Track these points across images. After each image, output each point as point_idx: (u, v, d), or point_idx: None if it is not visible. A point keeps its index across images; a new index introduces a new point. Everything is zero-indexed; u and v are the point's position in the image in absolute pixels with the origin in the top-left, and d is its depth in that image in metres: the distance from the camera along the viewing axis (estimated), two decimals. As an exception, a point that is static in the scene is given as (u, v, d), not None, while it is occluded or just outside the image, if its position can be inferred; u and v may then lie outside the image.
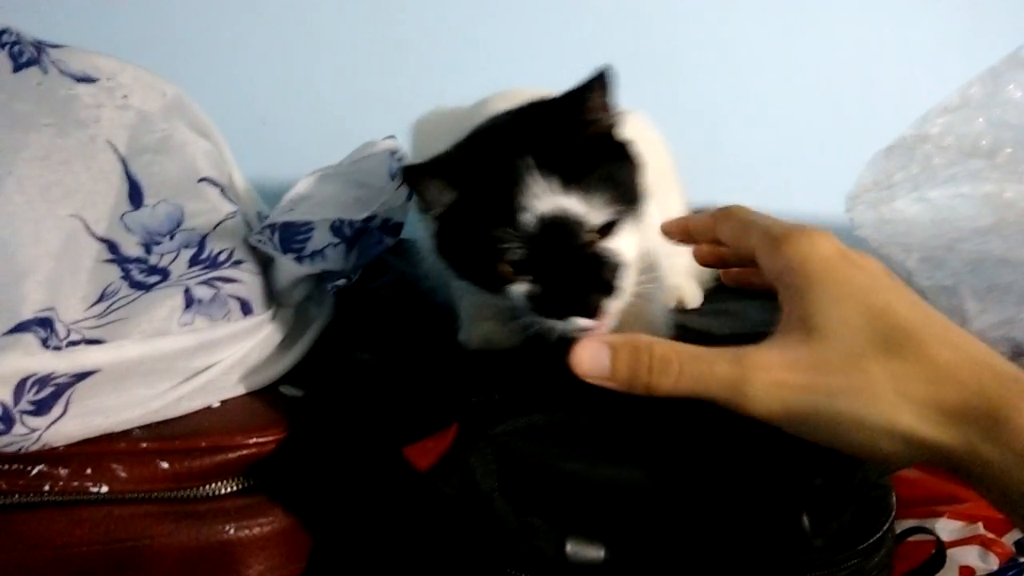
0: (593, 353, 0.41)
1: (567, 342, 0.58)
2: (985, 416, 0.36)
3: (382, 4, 1.04)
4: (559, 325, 0.51)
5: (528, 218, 0.49)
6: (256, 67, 1.05)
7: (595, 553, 0.45)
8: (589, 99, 0.51)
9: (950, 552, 0.57)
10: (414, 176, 0.52)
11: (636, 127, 0.68)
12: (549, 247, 0.50)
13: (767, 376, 0.39)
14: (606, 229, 0.51)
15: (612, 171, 0.52)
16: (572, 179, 0.50)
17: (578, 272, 0.50)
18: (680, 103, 1.02)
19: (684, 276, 0.68)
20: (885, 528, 0.50)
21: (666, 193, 0.71)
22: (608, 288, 0.51)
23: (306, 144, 0.94)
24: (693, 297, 0.68)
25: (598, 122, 0.53)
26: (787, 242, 0.42)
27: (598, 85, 0.51)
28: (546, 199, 0.49)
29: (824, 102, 1.06)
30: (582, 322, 0.50)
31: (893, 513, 0.51)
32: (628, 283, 0.52)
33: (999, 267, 0.71)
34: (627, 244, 0.52)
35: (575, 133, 0.52)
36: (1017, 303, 0.69)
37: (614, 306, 0.51)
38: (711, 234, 0.50)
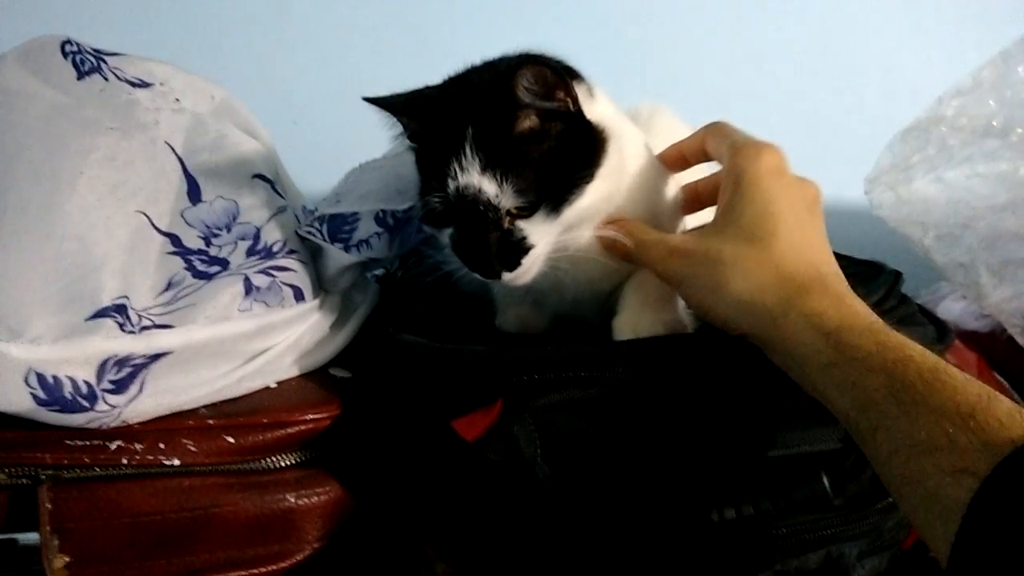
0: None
1: (594, 328, 0.62)
2: (794, 289, 0.47)
3: (413, 3, 1.07)
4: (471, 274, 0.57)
5: (449, 185, 0.54)
6: (286, 70, 1.09)
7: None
8: (515, 82, 0.53)
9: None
10: (376, 105, 0.58)
11: (659, 121, 0.70)
12: (462, 215, 0.55)
13: (671, 243, 0.53)
14: (523, 210, 0.54)
15: (549, 156, 0.55)
16: (493, 160, 0.53)
17: (484, 243, 0.55)
18: (698, 90, 1.04)
19: None
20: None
21: None
22: (510, 265, 0.55)
23: (337, 145, 0.98)
24: None
25: (532, 107, 0.54)
26: (741, 151, 0.53)
27: (527, 69, 0.53)
28: (465, 175, 0.53)
29: (842, 86, 1.08)
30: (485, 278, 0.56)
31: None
32: (531, 263, 0.56)
33: (1013, 243, 0.74)
34: (542, 228, 0.55)
35: (506, 115, 0.54)
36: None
37: (513, 275, 0.56)
38: (702, 153, 0.58)
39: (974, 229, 0.75)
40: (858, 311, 0.45)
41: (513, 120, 0.54)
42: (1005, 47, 0.74)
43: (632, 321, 0.58)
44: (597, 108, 0.59)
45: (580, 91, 0.57)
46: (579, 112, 0.56)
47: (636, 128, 0.63)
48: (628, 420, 0.51)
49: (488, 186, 0.53)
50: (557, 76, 0.54)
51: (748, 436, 0.50)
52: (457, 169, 0.54)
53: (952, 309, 0.84)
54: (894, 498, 0.42)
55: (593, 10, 1.09)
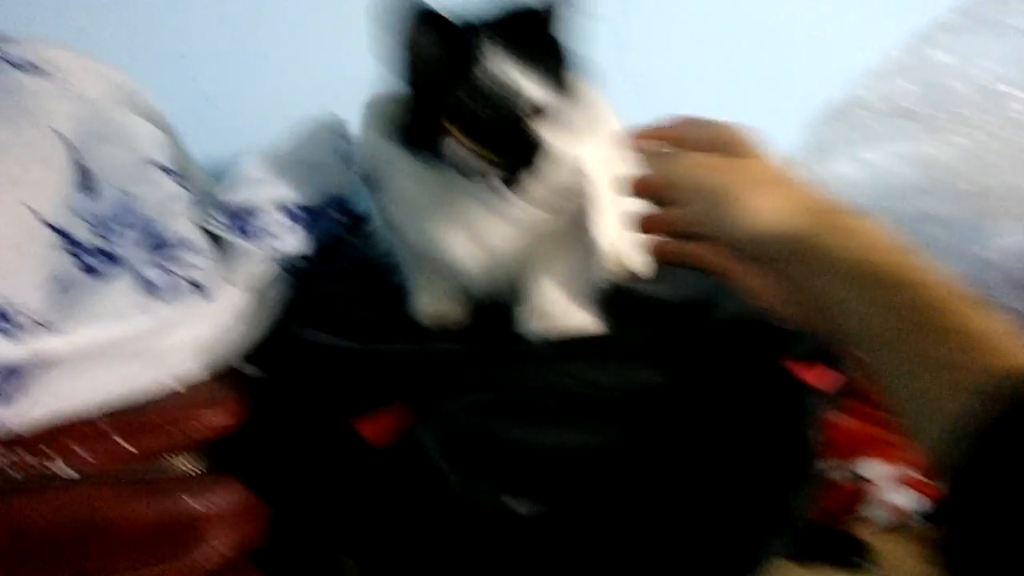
0: None
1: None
2: (824, 212, 0.46)
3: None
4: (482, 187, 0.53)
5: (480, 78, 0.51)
6: (200, 45, 1.04)
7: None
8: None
9: (878, 492, 0.60)
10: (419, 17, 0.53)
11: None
12: (492, 107, 0.51)
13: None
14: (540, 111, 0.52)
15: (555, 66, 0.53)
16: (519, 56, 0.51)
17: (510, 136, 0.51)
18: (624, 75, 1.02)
19: (630, 245, 0.70)
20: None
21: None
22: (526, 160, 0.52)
23: (252, 122, 0.94)
24: (637, 264, 0.69)
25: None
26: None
27: None
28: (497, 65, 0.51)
29: (757, 65, 1.08)
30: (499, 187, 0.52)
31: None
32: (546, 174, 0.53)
33: (933, 226, 0.74)
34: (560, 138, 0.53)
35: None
36: (948, 259, 0.72)
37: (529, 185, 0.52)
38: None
39: (892, 211, 0.75)
40: (882, 233, 0.46)
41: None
42: (922, 28, 0.74)
43: (544, 313, 0.56)
44: None
45: None
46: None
47: None
48: (548, 424, 0.49)
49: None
50: None
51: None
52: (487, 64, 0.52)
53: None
54: (892, 413, 0.41)
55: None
